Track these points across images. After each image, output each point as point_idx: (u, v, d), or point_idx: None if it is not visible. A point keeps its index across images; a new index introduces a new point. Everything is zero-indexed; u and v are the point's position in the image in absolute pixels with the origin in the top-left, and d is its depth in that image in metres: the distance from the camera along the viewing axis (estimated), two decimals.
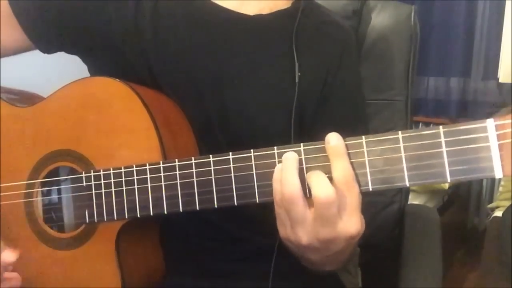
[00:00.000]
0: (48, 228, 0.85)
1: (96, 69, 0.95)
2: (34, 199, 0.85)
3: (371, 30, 1.32)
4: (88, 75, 0.96)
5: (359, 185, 0.64)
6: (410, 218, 1.25)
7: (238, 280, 0.91)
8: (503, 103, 2.78)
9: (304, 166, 0.65)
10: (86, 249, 0.82)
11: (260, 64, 0.90)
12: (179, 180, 0.73)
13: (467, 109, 3.08)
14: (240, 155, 0.69)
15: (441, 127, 0.59)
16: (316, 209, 0.64)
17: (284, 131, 0.87)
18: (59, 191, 0.86)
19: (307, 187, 0.65)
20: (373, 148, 0.63)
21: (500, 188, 2.57)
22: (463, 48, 3.03)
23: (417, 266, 1.16)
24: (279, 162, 0.67)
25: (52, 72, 1.17)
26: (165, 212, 0.74)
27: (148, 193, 0.75)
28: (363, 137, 0.64)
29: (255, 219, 0.86)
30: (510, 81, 2.76)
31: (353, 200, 0.64)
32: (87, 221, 0.79)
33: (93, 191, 0.79)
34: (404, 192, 1.28)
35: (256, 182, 0.69)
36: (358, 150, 0.63)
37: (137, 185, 0.75)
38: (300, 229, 0.66)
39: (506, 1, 2.77)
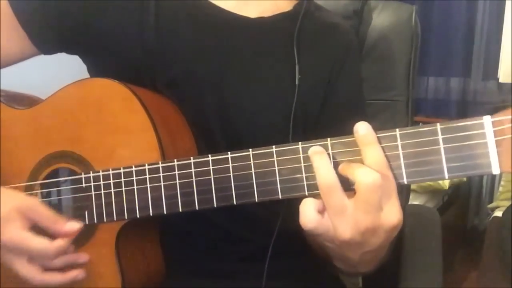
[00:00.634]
0: None
1: (96, 69, 0.95)
2: None
3: (371, 30, 1.32)
4: (87, 76, 0.96)
5: None
6: (410, 218, 1.25)
7: (238, 280, 0.91)
8: (503, 103, 2.78)
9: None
10: (86, 250, 0.81)
11: (261, 67, 0.90)
12: (178, 180, 0.73)
13: (467, 109, 3.09)
14: (239, 154, 0.70)
15: (438, 124, 0.59)
16: (359, 195, 0.61)
17: (284, 133, 0.87)
18: (58, 193, 0.86)
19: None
20: None
21: (500, 188, 2.58)
22: (463, 48, 3.04)
23: (417, 266, 1.16)
24: (278, 160, 0.67)
25: (51, 74, 1.17)
26: (165, 212, 0.74)
27: (148, 193, 0.75)
28: None
29: (255, 219, 0.86)
30: (510, 81, 2.76)
31: (390, 187, 0.62)
32: (87, 222, 0.79)
33: (93, 192, 0.79)
34: (405, 192, 1.28)
35: (255, 181, 0.68)
36: (355, 148, 0.63)
37: (136, 186, 0.75)
38: (341, 222, 0.63)
39: (506, 1, 2.77)
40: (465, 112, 3.07)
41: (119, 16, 0.89)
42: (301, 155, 0.66)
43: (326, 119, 0.92)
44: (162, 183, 0.74)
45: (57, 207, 0.85)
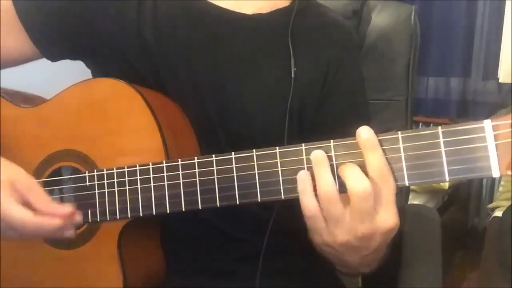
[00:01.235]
0: None
1: (99, 72, 0.95)
2: None
3: (371, 30, 1.32)
4: (90, 77, 0.96)
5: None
6: (410, 218, 1.25)
7: (237, 279, 0.91)
8: (503, 103, 2.78)
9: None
10: (88, 248, 0.82)
11: (259, 63, 0.90)
12: (182, 179, 0.73)
13: (467, 109, 3.08)
14: (242, 154, 0.70)
15: (439, 127, 0.60)
16: (352, 204, 0.63)
17: (281, 128, 0.87)
18: (62, 191, 0.86)
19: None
20: None
21: (500, 188, 2.57)
22: (463, 48, 3.03)
23: (417, 266, 1.16)
24: (281, 161, 0.68)
25: (55, 75, 1.17)
26: (168, 212, 0.75)
27: (151, 192, 0.75)
28: None
29: (255, 219, 0.87)
30: (510, 81, 2.76)
31: (389, 192, 0.63)
32: (90, 220, 0.79)
33: (96, 191, 0.79)
34: (404, 192, 1.28)
35: (258, 182, 0.69)
36: (358, 150, 0.64)
37: (140, 185, 0.76)
38: (337, 228, 0.65)
39: (506, 1, 2.76)
40: (465, 112, 3.06)
41: (118, 17, 0.90)
42: (304, 157, 0.66)
43: (326, 118, 0.92)
44: (166, 183, 0.74)
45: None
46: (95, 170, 0.79)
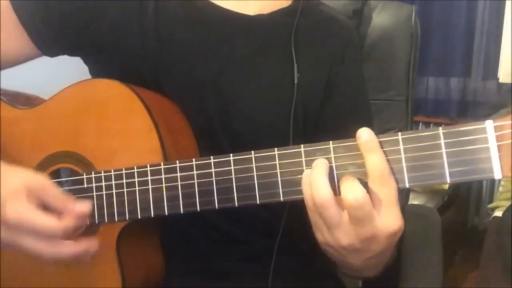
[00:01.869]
0: None
1: (98, 71, 0.95)
2: None
3: (371, 30, 1.32)
4: (89, 76, 0.96)
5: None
6: (410, 218, 1.25)
7: (238, 280, 0.91)
8: (503, 103, 2.78)
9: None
10: None
11: (260, 65, 0.90)
12: (180, 181, 0.73)
13: (467, 109, 3.08)
14: (241, 156, 0.70)
15: (440, 128, 0.60)
16: (348, 211, 0.62)
17: (285, 131, 0.87)
18: None
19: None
20: None
21: (500, 188, 2.57)
22: (463, 48, 3.03)
23: (417, 266, 1.16)
24: (280, 163, 0.67)
25: (53, 74, 1.17)
26: (166, 213, 0.74)
27: (149, 194, 0.75)
28: None
29: (256, 220, 0.86)
30: (510, 81, 2.76)
31: (390, 194, 0.62)
32: (88, 222, 0.79)
33: (94, 193, 0.79)
34: (404, 192, 1.28)
35: (257, 184, 0.69)
36: (358, 152, 0.63)
37: (138, 187, 0.75)
38: (337, 231, 0.65)
39: (506, 1, 2.77)
40: (465, 112, 3.07)
41: (119, 17, 0.89)
42: (303, 158, 0.66)
43: (328, 118, 0.92)
44: (164, 184, 0.74)
45: None
46: (93, 172, 0.79)
